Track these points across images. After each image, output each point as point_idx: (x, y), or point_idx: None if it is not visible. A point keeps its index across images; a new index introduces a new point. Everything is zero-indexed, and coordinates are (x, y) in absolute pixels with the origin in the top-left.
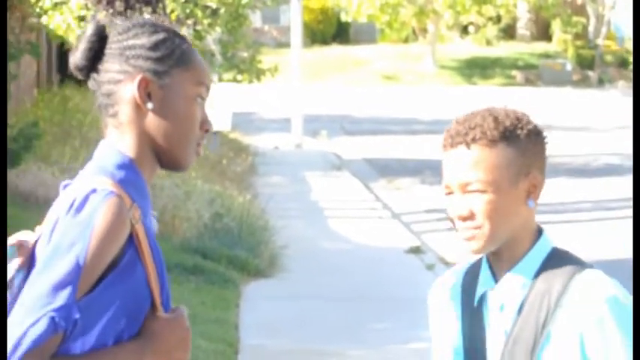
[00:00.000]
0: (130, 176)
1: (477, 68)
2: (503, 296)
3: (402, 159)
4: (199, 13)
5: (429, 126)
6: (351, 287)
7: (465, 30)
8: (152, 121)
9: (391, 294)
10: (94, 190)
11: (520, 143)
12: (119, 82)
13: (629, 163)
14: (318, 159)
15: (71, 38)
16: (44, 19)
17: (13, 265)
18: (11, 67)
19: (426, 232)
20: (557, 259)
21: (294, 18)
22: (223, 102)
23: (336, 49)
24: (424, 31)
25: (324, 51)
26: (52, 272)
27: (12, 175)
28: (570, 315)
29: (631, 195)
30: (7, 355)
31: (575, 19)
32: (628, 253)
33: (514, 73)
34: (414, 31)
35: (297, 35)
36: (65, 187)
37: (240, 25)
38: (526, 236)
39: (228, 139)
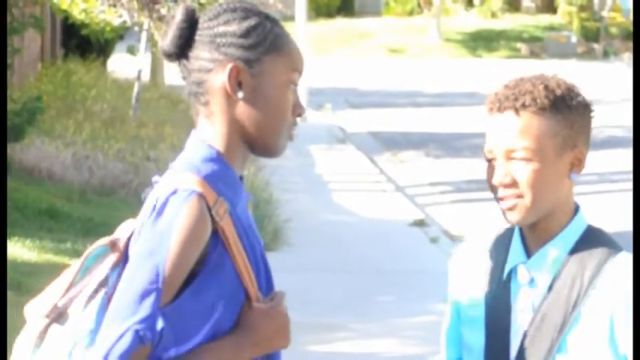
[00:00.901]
0: (217, 170)
1: (481, 41)
2: (535, 271)
3: (406, 132)
4: None
5: (434, 99)
6: (355, 260)
7: (469, 2)
8: (243, 110)
9: (395, 267)
10: (174, 192)
11: (569, 114)
12: (210, 70)
13: (628, 135)
14: (323, 132)
15: (75, 12)
16: None
17: (107, 263)
18: (15, 41)
19: (430, 204)
20: (592, 238)
21: None
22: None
23: (340, 22)
24: (429, 3)
25: (329, 24)
26: (134, 282)
27: (16, 149)
28: (602, 298)
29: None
30: None
31: None
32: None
33: (519, 45)
34: (418, 4)
35: (301, 8)
36: (155, 183)
37: None
38: (564, 211)
39: None
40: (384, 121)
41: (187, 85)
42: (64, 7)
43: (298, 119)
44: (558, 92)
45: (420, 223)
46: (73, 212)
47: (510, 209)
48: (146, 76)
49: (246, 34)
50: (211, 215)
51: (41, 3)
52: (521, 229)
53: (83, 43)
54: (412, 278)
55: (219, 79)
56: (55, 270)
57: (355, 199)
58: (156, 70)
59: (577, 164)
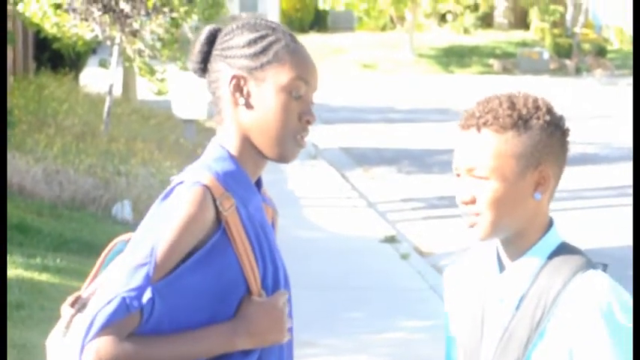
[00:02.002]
0: (227, 168)
1: (454, 57)
2: (505, 288)
3: (378, 148)
4: (176, 1)
5: (407, 114)
6: (325, 276)
7: (442, 18)
8: (246, 116)
9: (365, 283)
10: (181, 183)
11: (532, 133)
12: (218, 80)
13: (606, 151)
14: None
15: (47, 26)
16: (20, 7)
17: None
18: None
19: (401, 221)
20: (563, 254)
21: (271, 6)
22: (199, 90)
23: (313, 38)
24: (402, 19)
25: (302, 39)
26: (130, 257)
27: None
28: (565, 317)
29: (605, 184)
30: (83, 334)
31: (552, 7)
32: (603, 242)
33: (491, 61)
34: (391, 20)
35: None
36: (172, 179)
37: (217, 13)
38: (535, 229)
39: (204, 128)
40: (356, 136)
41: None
42: (36, 20)
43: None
44: (523, 111)
45: (390, 240)
46: (43, 227)
47: (471, 226)
48: (118, 91)
49: (249, 44)
50: (216, 207)
51: (13, 16)
52: (497, 245)
53: (55, 57)
54: (382, 294)
55: (225, 87)
56: (25, 285)
57: (326, 215)
58: (128, 84)
59: (542, 183)
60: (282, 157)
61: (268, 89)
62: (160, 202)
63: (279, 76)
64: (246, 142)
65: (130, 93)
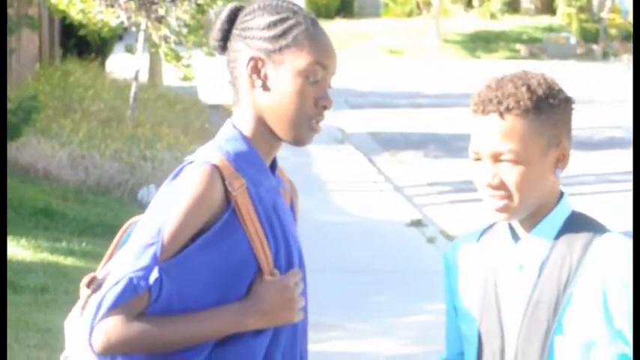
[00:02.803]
0: (238, 148)
1: (480, 42)
2: (523, 256)
3: (405, 132)
4: None
5: (433, 99)
6: (351, 260)
7: (469, 3)
8: (262, 97)
9: (391, 267)
10: (191, 162)
11: (552, 113)
12: (237, 60)
13: (629, 135)
14: (322, 132)
15: (73, 12)
16: None
17: None
18: (11, 41)
19: (427, 205)
20: (577, 221)
21: None
22: (225, 76)
23: (340, 24)
24: (428, 4)
25: (328, 25)
26: (138, 237)
27: (12, 148)
28: (593, 275)
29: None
30: (92, 316)
31: None
32: (630, 225)
33: (518, 46)
34: (417, 5)
35: None
36: (185, 159)
37: None
38: (549, 200)
39: (230, 113)
40: (383, 121)
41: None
42: (62, 7)
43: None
44: (540, 92)
45: (417, 223)
46: (68, 212)
47: (499, 209)
48: (144, 77)
49: (268, 27)
50: (225, 186)
51: (38, 3)
52: None
53: (81, 43)
54: (408, 278)
55: (243, 68)
56: (50, 269)
57: (353, 199)
58: (154, 70)
59: (562, 159)
60: (297, 141)
61: (286, 73)
62: (169, 182)
63: (297, 60)
64: (261, 124)
65: (156, 79)
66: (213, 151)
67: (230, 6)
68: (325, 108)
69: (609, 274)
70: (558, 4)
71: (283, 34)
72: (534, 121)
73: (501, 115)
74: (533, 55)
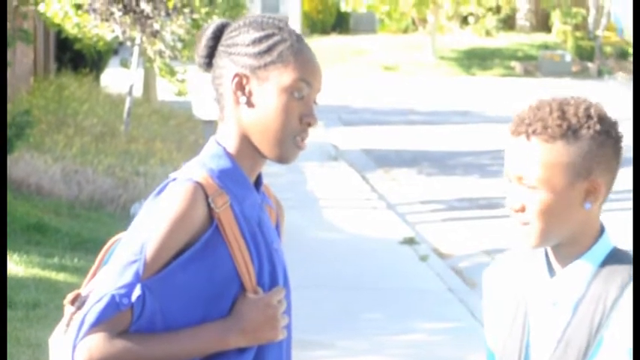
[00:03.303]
0: (222, 165)
1: (476, 59)
2: (558, 292)
3: (399, 150)
4: (197, 2)
5: (428, 117)
6: (343, 277)
7: (464, 20)
8: (246, 114)
9: (384, 285)
10: (174, 179)
11: (582, 144)
12: (222, 77)
13: (628, 154)
14: (315, 149)
15: (68, 26)
16: (41, 7)
17: None
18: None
19: (421, 222)
20: (616, 259)
21: (293, 7)
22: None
23: (335, 39)
24: (424, 21)
25: (324, 41)
26: (121, 254)
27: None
28: (625, 321)
29: (629, 187)
30: (75, 333)
31: (574, 10)
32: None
33: (513, 64)
34: (413, 22)
35: (296, 25)
36: (170, 176)
37: (238, 14)
38: (587, 235)
39: None
40: (376, 138)
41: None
42: (57, 21)
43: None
44: (573, 121)
45: (410, 241)
46: (61, 227)
47: (520, 234)
48: (139, 92)
49: (253, 43)
50: (208, 203)
51: (31, 17)
52: (545, 249)
53: (77, 57)
54: (400, 296)
55: (228, 85)
56: (42, 284)
57: (346, 216)
58: (148, 85)
59: (592, 192)
60: (281, 158)
61: (270, 89)
62: (152, 199)
63: (282, 76)
64: (245, 141)
65: (151, 94)
66: (197, 168)
67: (216, 22)
68: (310, 125)
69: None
70: (554, 22)
71: (268, 51)
72: (562, 149)
73: (528, 137)
74: (527, 73)
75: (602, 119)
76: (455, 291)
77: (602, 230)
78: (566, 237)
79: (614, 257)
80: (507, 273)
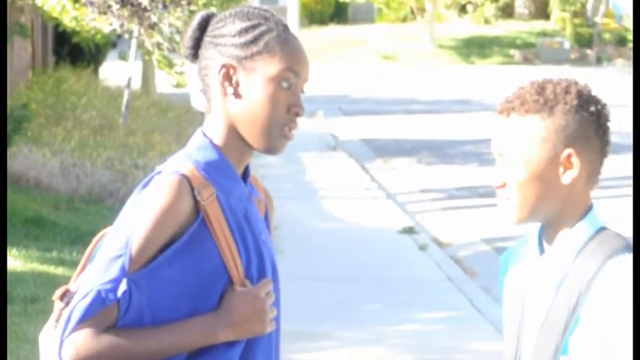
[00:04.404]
0: (208, 157)
1: (475, 47)
2: (544, 270)
3: (398, 139)
4: None
5: (427, 106)
6: (343, 268)
7: (463, 9)
8: (233, 105)
9: (383, 275)
10: (159, 172)
11: (557, 118)
12: (208, 68)
13: (627, 140)
14: (314, 140)
15: (66, 20)
16: (39, 1)
17: None
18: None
19: (420, 212)
20: (600, 239)
21: None
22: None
23: (334, 30)
24: (422, 10)
25: (322, 31)
26: (107, 249)
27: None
28: (598, 300)
29: (629, 173)
30: (61, 329)
31: None
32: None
33: (512, 52)
34: (412, 11)
35: (294, 15)
36: (156, 168)
37: (236, 5)
38: (571, 213)
39: None
40: (376, 128)
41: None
42: (55, 14)
43: (299, 121)
44: (551, 96)
45: (409, 231)
46: (59, 221)
47: (503, 209)
48: (137, 84)
49: (239, 33)
50: (194, 196)
51: (27, 11)
52: (540, 228)
53: (75, 50)
54: (399, 286)
55: (215, 76)
56: (41, 279)
57: (345, 206)
58: (147, 77)
59: (569, 167)
60: (268, 149)
61: (257, 79)
62: (138, 192)
63: (269, 66)
64: (233, 132)
65: (149, 86)
66: (183, 160)
67: (201, 13)
68: (297, 115)
69: (613, 303)
70: (552, 9)
71: (254, 41)
72: (537, 123)
73: (508, 114)
74: (527, 61)
75: (582, 96)
76: (454, 280)
77: (589, 209)
78: (550, 213)
79: (598, 237)
80: (516, 255)
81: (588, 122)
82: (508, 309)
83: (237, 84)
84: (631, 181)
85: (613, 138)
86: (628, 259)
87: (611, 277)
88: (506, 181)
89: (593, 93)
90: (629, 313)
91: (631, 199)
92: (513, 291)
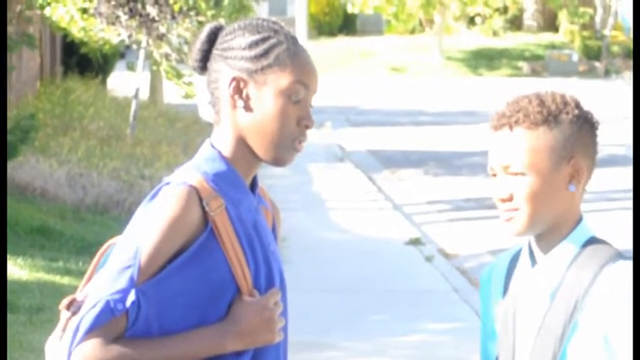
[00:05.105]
0: (217, 168)
1: (483, 59)
2: (538, 281)
3: (406, 150)
4: (202, 5)
5: (435, 117)
6: (349, 279)
7: (471, 21)
8: (244, 118)
9: (389, 286)
10: (168, 184)
11: (563, 128)
12: (218, 80)
13: (631, 152)
14: (322, 151)
15: (74, 30)
16: (47, 11)
17: None
18: (11, 58)
19: (427, 223)
20: (593, 247)
21: (299, 9)
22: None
23: (342, 41)
24: (431, 22)
25: (331, 43)
26: (116, 260)
27: (9, 167)
28: (597, 306)
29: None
30: (70, 340)
31: (582, 9)
32: (630, 243)
33: (520, 64)
34: (420, 23)
35: (302, 27)
36: (163, 179)
37: (245, 16)
38: (567, 222)
39: None
40: (384, 139)
41: (208, 93)
42: (63, 25)
43: (307, 132)
44: (552, 107)
45: (415, 242)
46: (65, 231)
47: (508, 221)
48: (145, 95)
49: (249, 46)
50: (203, 207)
51: (35, 21)
52: (530, 240)
53: (83, 61)
54: (405, 297)
55: (225, 88)
56: (46, 289)
57: (352, 217)
58: (155, 88)
59: (575, 176)
60: (278, 161)
61: (268, 93)
62: (146, 203)
63: (280, 80)
64: (242, 144)
65: (157, 96)
66: (192, 172)
67: (210, 26)
68: (307, 127)
69: (612, 307)
70: (561, 22)
71: (265, 54)
72: (544, 133)
73: (511, 127)
74: (535, 73)
75: (578, 105)
76: (460, 291)
77: (580, 219)
78: (549, 223)
79: (591, 245)
80: (502, 268)
81: (588, 131)
82: (500, 322)
83: (248, 97)
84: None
85: (623, 151)
86: (624, 265)
87: (609, 284)
88: (514, 193)
89: (583, 103)
90: (629, 318)
91: (630, 211)
92: (503, 303)
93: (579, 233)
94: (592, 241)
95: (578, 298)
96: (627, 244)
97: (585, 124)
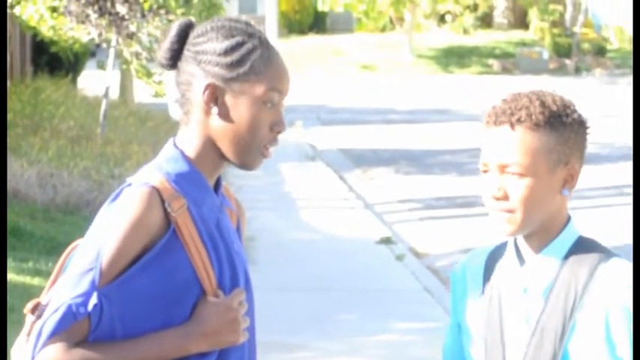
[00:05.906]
0: (179, 169)
1: (453, 57)
2: (528, 279)
3: (377, 149)
4: (172, 3)
5: (406, 115)
6: (319, 278)
7: (442, 19)
8: (217, 124)
9: (359, 285)
10: (129, 185)
11: (564, 131)
12: (190, 84)
13: (606, 151)
14: (293, 150)
15: (44, 29)
16: (17, 10)
17: None
18: None
19: (398, 222)
20: (583, 247)
21: (270, 7)
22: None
23: (313, 39)
24: (401, 20)
25: (301, 41)
26: (78, 262)
27: None
28: (596, 303)
29: (606, 184)
30: (33, 344)
31: (552, 7)
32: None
33: (491, 61)
34: (391, 20)
35: (273, 25)
36: (126, 180)
37: (215, 15)
38: (557, 222)
39: None
40: (354, 138)
41: (177, 93)
42: (33, 23)
43: (279, 137)
44: (554, 108)
45: (386, 241)
46: (36, 231)
47: (502, 222)
48: (115, 94)
49: (225, 53)
50: (165, 208)
51: (8, 20)
52: (515, 239)
53: (53, 60)
54: (376, 296)
55: (199, 93)
56: (17, 289)
57: (323, 216)
58: (125, 87)
59: (569, 180)
60: (247, 166)
61: (243, 101)
62: (108, 205)
63: (255, 88)
64: (210, 146)
65: (127, 96)
66: (153, 172)
67: (179, 23)
68: (279, 133)
69: (612, 302)
70: (531, 19)
71: (240, 61)
72: (545, 135)
73: (512, 126)
74: (505, 70)
75: (575, 108)
76: (431, 290)
77: (568, 219)
78: (540, 224)
79: (580, 245)
80: (479, 266)
81: (582, 135)
82: (485, 320)
83: (223, 104)
84: (606, 191)
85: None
86: (619, 262)
87: (607, 280)
88: (509, 193)
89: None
90: (629, 315)
91: (614, 208)
92: (486, 301)
93: (569, 233)
94: (581, 240)
95: (576, 296)
96: (604, 242)
97: (581, 128)
